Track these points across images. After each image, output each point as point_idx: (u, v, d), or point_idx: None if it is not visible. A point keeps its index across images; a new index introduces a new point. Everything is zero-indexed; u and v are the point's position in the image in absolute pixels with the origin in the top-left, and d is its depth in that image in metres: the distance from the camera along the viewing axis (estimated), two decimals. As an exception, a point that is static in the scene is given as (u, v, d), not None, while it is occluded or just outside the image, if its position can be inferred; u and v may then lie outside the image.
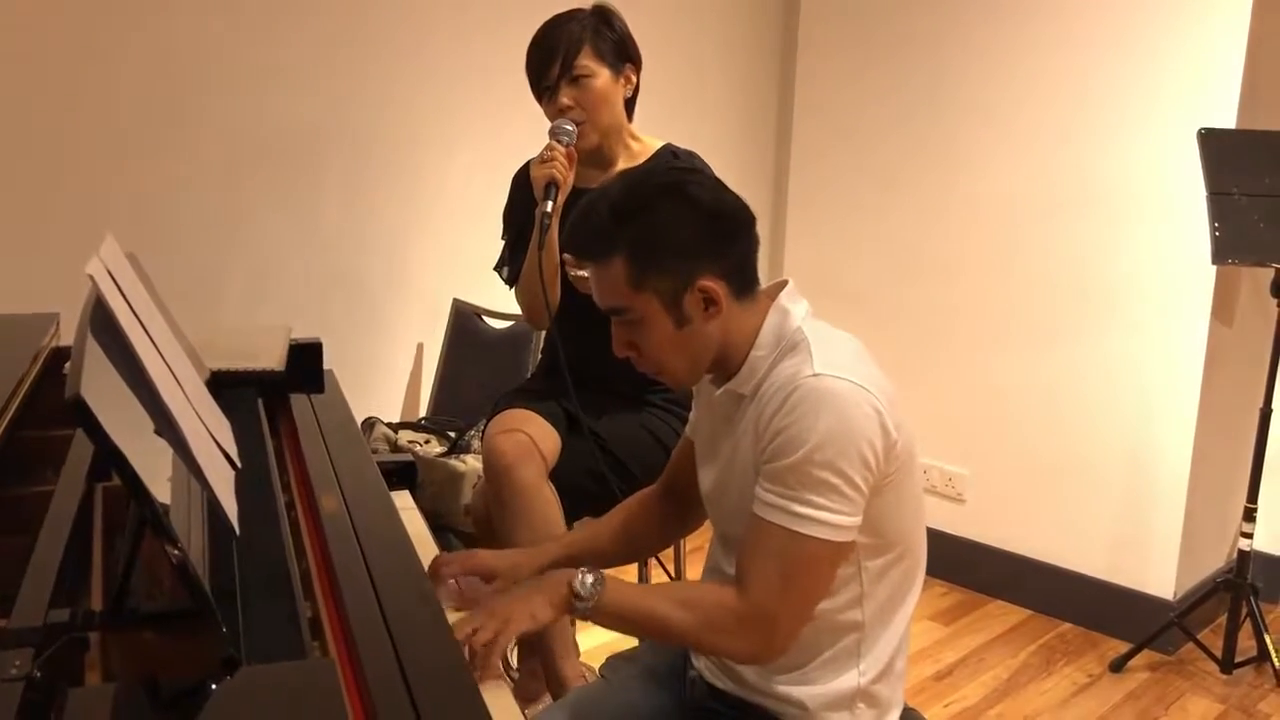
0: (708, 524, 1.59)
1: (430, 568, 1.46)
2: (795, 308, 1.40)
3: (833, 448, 1.26)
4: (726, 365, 1.40)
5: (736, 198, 1.38)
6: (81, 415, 0.87)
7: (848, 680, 1.40)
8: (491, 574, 1.52)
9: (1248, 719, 2.74)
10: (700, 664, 1.52)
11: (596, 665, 1.71)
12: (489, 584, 1.52)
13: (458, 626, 1.26)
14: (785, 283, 1.43)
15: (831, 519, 1.28)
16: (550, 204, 2.03)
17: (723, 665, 1.46)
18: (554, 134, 2.07)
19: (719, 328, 1.36)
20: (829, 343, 1.36)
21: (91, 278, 1.09)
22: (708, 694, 1.49)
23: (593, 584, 1.32)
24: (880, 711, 1.43)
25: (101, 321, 1.07)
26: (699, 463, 1.54)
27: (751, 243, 1.39)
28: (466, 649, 1.24)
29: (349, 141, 2.86)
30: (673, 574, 2.44)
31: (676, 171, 1.38)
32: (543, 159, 2.06)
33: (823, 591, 1.34)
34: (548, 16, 2.12)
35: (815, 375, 1.29)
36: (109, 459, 0.90)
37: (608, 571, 1.37)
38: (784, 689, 1.40)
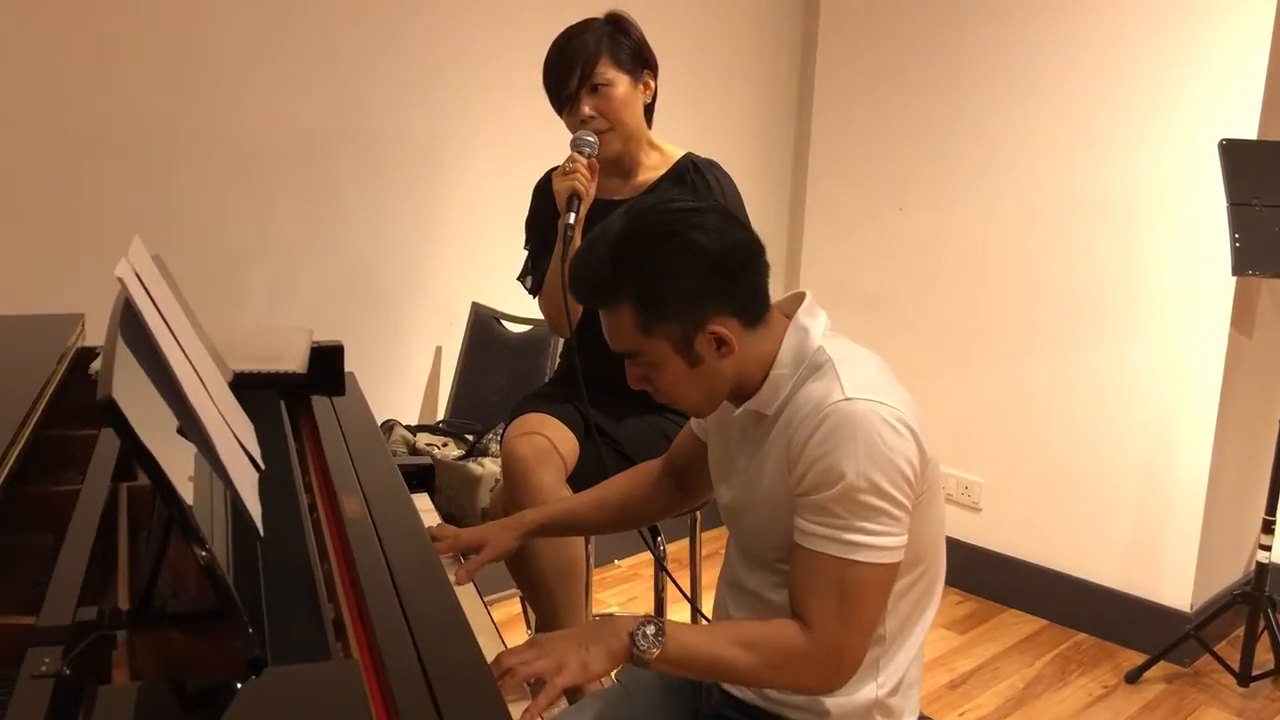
0: (720, 531, 1.59)
1: (430, 533, 1.53)
2: (814, 324, 1.39)
3: (876, 472, 1.26)
4: (745, 386, 1.39)
5: (743, 230, 1.35)
6: (113, 416, 0.88)
7: (866, 693, 1.40)
8: (476, 546, 1.61)
9: (1264, 732, 2.73)
10: None
11: (613, 670, 1.71)
12: (478, 553, 1.60)
13: (503, 656, 1.24)
14: (802, 296, 1.42)
15: (884, 542, 1.28)
16: (573, 215, 2.04)
17: None
18: (575, 145, 2.08)
19: (734, 362, 1.36)
20: (854, 363, 1.35)
21: (121, 280, 1.10)
22: (723, 701, 1.50)
23: (655, 635, 1.27)
24: None
25: (130, 324, 1.08)
26: (714, 477, 1.55)
27: (761, 273, 1.36)
28: (503, 674, 1.21)
29: (369, 145, 2.87)
30: (686, 586, 2.45)
31: (678, 212, 1.34)
32: (565, 171, 2.07)
33: (881, 612, 1.34)
34: (565, 19, 2.13)
35: (847, 399, 1.28)
36: (138, 460, 0.91)
37: (668, 619, 1.34)
38: (804, 700, 1.41)
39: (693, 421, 1.65)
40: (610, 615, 1.34)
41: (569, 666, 1.24)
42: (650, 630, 1.27)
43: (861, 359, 1.38)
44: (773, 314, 1.40)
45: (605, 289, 1.33)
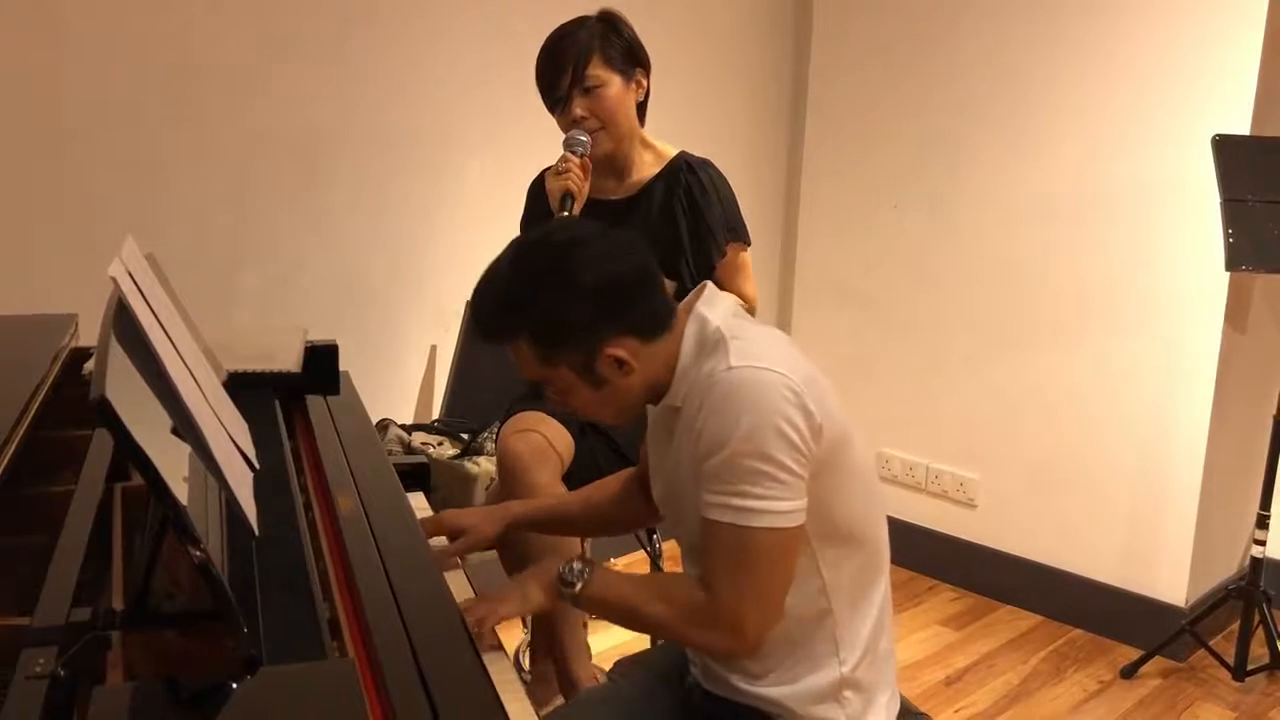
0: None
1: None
2: (712, 311, 1.41)
3: (757, 435, 1.27)
4: (658, 387, 1.42)
5: (626, 256, 1.37)
6: (106, 416, 0.88)
7: (829, 672, 1.40)
8: (458, 531, 1.62)
9: (1259, 727, 2.74)
10: (695, 670, 1.52)
11: (608, 667, 1.71)
12: (454, 540, 1.62)
13: (463, 604, 1.33)
14: (703, 288, 1.45)
15: (772, 506, 1.29)
16: (566, 215, 2.04)
17: (711, 670, 1.47)
18: (568, 145, 2.08)
19: (639, 376, 1.38)
20: (746, 338, 1.37)
21: (114, 280, 1.10)
22: (704, 698, 1.50)
23: (580, 570, 1.38)
24: (868, 696, 1.43)
25: (124, 323, 1.08)
26: (650, 475, 1.57)
27: (651, 292, 1.39)
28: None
29: (364, 144, 2.87)
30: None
31: (559, 247, 1.36)
32: (558, 170, 2.07)
33: (784, 581, 1.34)
34: (560, 16, 2.13)
35: (730, 368, 1.31)
36: (132, 460, 0.91)
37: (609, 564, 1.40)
38: (768, 691, 1.41)
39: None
40: (550, 560, 1.48)
41: (510, 598, 1.38)
42: (577, 566, 1.38)
43: (755, 334, 1.39)
44: (677, 315, 1.42)
45: (500, 330, 1.37)
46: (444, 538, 1.65)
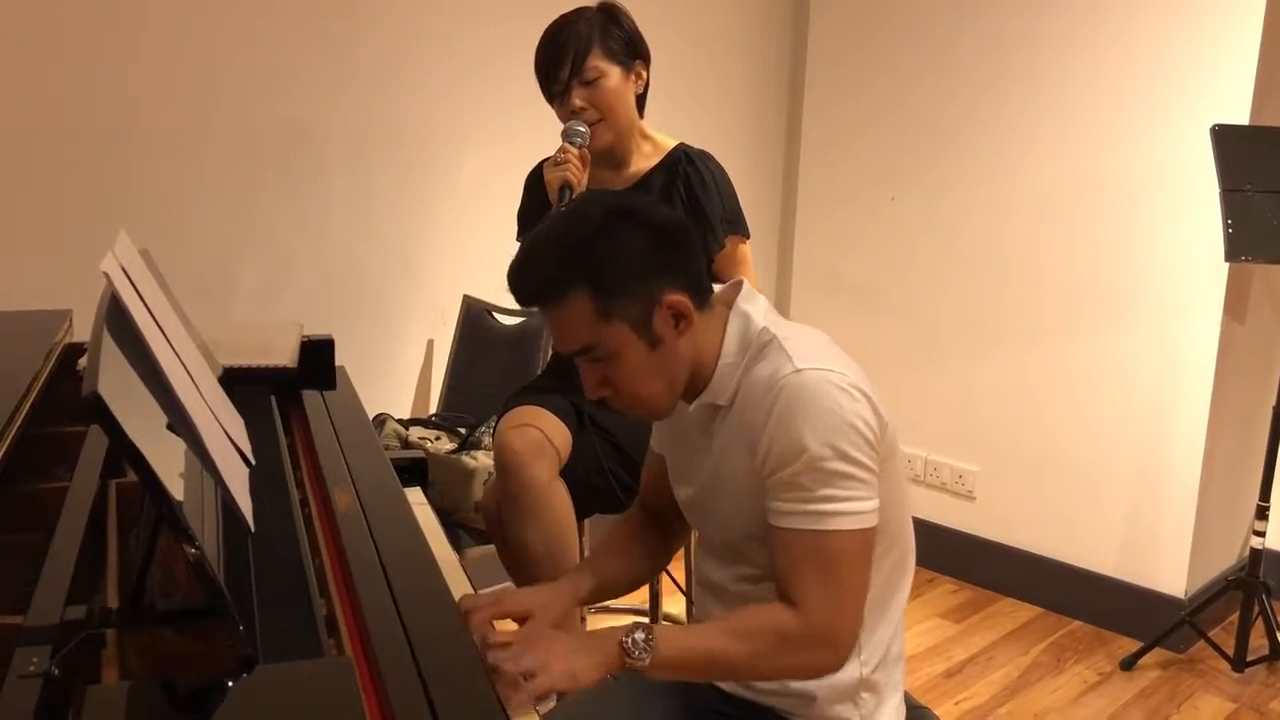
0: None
1: (460, 608, 1.32)
2: (754, 308, 1.39)
3: (837, 437, 1.26)
4: (696, 381, 1.39)
5: (674, 211, 1.38)
6: (99, 412, 0.87)
7: (850, 672, 1.40)
8: (526, 615, 1.43)
9: (1260, 718, 2.73)
10: None
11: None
12: (522, 623, 1.42)
13: (490, 652, 1.19)
14: (739, 284, 1.43)
15: (854, 507, 1.28)
16: (565, 207, 2.03)
17: None
18: (567, 136, 2.07)
19: (690, 343, 1.36)
20: (798, 337, 1.35)
21: (107, 275, 1.09)
22: (714, 696, 1.49)
23: (644, 641, 1.25)
24: (881, 697, 1.43)
25: (117, 319, 1.07)
26: (673, 480, 1.53)
27: (699, 251, 1.38)
28: (494, 672, 1.16)
29: (359, 138, 2.85)
30: (680, 579, 2.44)
31: (610, 198, 1.37)
32: (556, 161, 2.06)
33: (866, 582, 1.32)
34: (559, 6, 2.12)
35: (797, 371, 1.29)
36: (126, 456, 0.90)
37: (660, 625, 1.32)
38: (794, 686, 1.40)
39: (652, 442, 1.61)
40: (605, 629, 1.29)
41: (553, 672, 1.21)
42: (640, 636, 1.25)
43: (806, 334, 1.38)
44: (716, 303, 1.40)
45: (555, 285, 1.31)
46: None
